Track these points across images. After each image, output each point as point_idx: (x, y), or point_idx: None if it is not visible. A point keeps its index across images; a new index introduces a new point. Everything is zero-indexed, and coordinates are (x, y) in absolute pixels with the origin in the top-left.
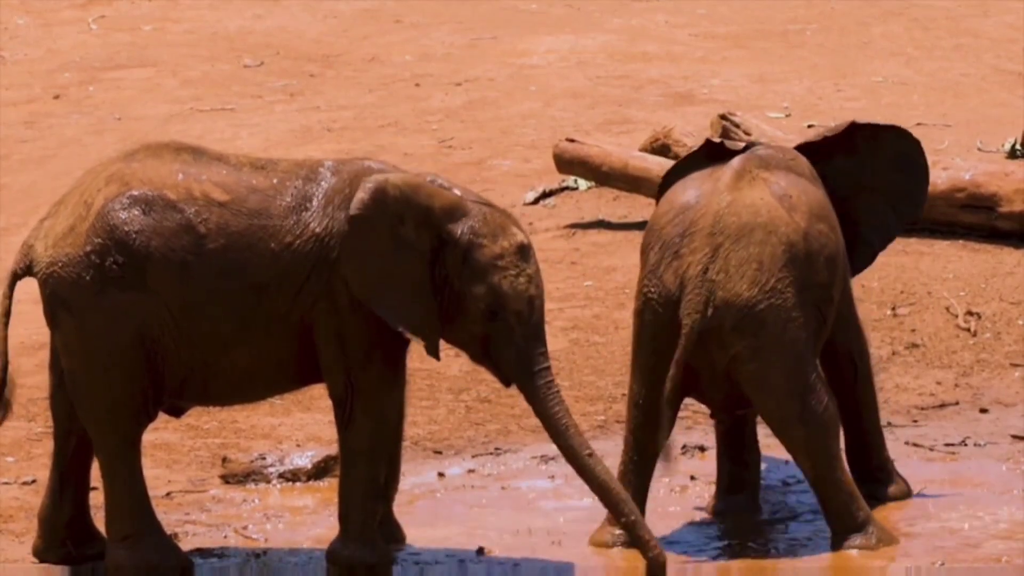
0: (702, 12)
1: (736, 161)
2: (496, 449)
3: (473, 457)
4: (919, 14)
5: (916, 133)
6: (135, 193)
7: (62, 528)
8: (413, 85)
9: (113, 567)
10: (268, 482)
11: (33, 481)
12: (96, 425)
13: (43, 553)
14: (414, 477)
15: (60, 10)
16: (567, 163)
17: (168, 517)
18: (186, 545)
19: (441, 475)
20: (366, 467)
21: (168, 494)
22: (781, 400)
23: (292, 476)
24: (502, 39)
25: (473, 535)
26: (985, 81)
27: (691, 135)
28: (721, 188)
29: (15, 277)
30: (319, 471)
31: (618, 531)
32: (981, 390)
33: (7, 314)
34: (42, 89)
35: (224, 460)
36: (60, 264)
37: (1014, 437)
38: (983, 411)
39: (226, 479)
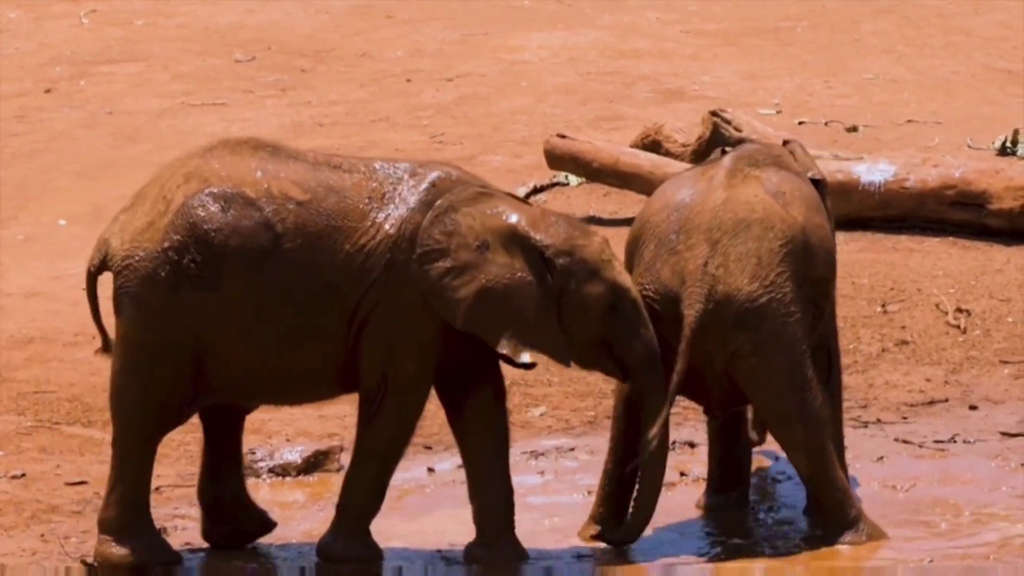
0: (693, 9)
1: (727, 160)
2: None
3: None
4: (910, 12)
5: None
6: (215, 190)
7: (225, 507)
8: (404, 81)
9: (102, 558)
10: (258, 477)
11: (23, 475)
12: (121, 419)
13: (210, 534)
14: (404, 472)
15: (51, 4)
16: (558, 159)
17: (157, 511)
18: (176, 540)
19: (431, 470)
20: (378, 467)
21: (157, 488)
22: (780, 396)
23: (282, 471)
24: (493, 35)
25: (462, 531)
26: (976, 79)
27: (682, 131)
28: (715, 186)
29: (92, 274)
30: (309, 466)
31: (603, 529)
32: (970, 387)
33: (97, 312)
34: (33, 83)
35: None
36: (136, 259)
37: (1003, 434)
38: (972, 408)
39: None
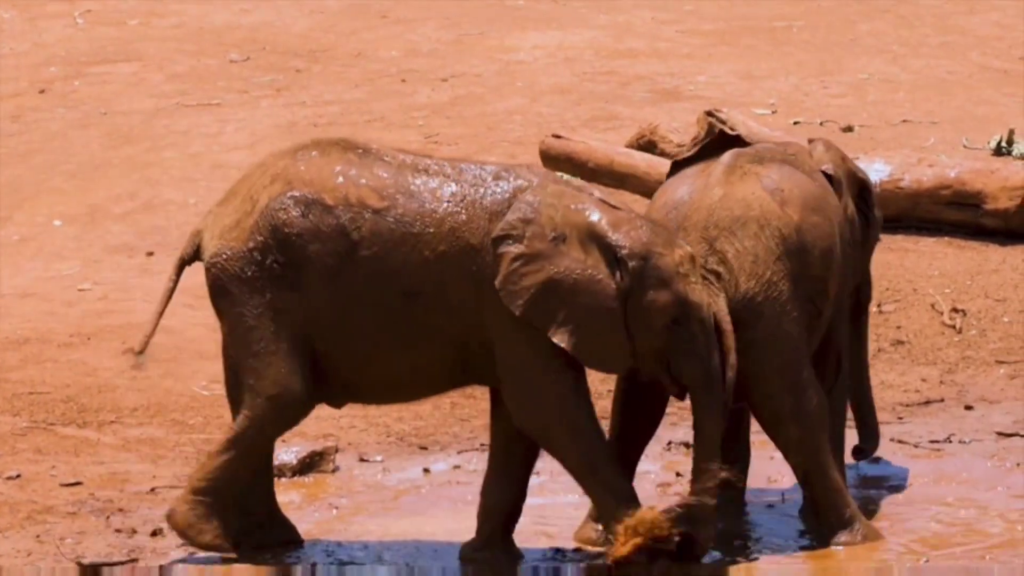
0: (689, 9)
1: (727, 156)
2: (482, 445)
3: (459, 453)
4: (905, 11)
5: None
6: (296, 194)
7: (253, 515)
8: (399, 81)
9: (175, 519)
10: None
11: (18, 476)
12: (249, 409)
13: (238, 537)
14: (399, 473)
15: (46, 4)
16: (553, 159)
17: (153, 512)
18: (170, 541)
19: (427, 471)
20: (593, 482)
21: (153, 489)
22: (775, 395)
23: (278, 472)
24: (488, 35)
25: (458, 530)
26: (971, 79)
27: (677, 132)
28: (712, 183)
29: (183, 262)
30: (304, 467)
31: (601, 527)
32: (966, 387)
33: (170, 294)
34: (28, 83)
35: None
36: (224, 256)
37: (999, 434)
38: (968, 408)
39: None
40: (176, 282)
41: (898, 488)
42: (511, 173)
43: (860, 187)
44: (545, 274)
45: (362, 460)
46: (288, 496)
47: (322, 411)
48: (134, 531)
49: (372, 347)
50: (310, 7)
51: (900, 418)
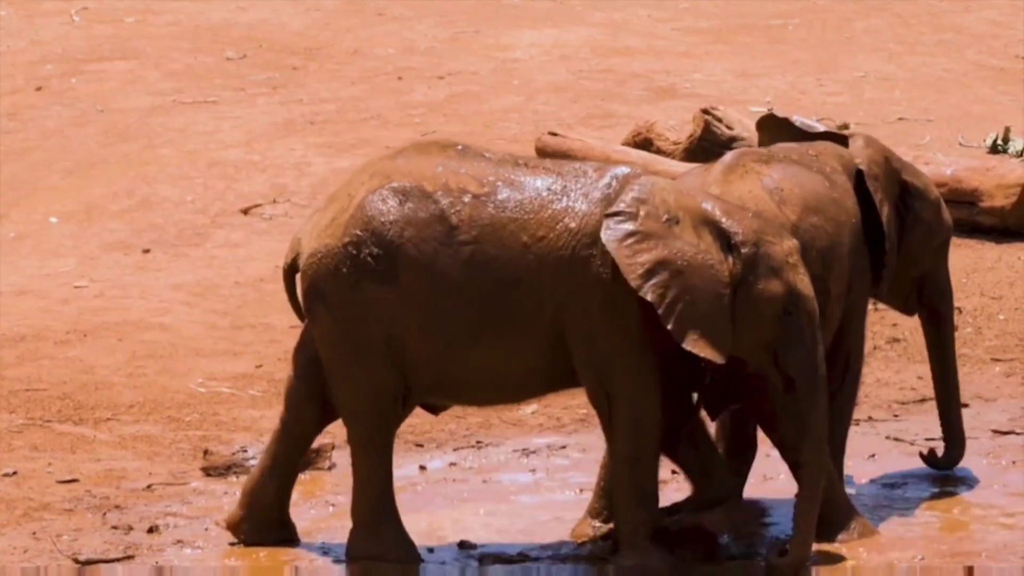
0: (685, 7)
1: (729, 155)
2: (478, 442)
3: (455, 450)
4: (901, 9)
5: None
6: (394, 185)
7: (266, 508)
8: (396, 78)
9: (350, 552)
10: (249, 475)
11: (14, 473)
12: (348, 415)
13: (250, 533)
14: (396, 470)
15: (42, 2)
16: (549, 157)
17: (149, 509)
18: (167, 538)
19: (423, 468)
20: (629, 474)
21: (149, 486)
22: (770, 392)
23: None
24: (485, 33)
25: (454, 528)
26: (967, 77)
27: (673, 129)
28: (710, 181)
29: (287, 272)
30: (301, 464)
31: (598, 524)
32: (962, 385)
33: (295, 302)
34: (24, 81)
35: (205, 453)
36: (320, 255)
37: (995, 432)
38: (964, 406)
39: (207, 472)
40: (291, 291)
41: (894, 486)
42: (611, 167)
43: (901, 189)
44: (659, 253)
45: None
46: None
47: None
48: (130, 528)
49: (467, 339)
50: (306, 5)
51: (896, 416)
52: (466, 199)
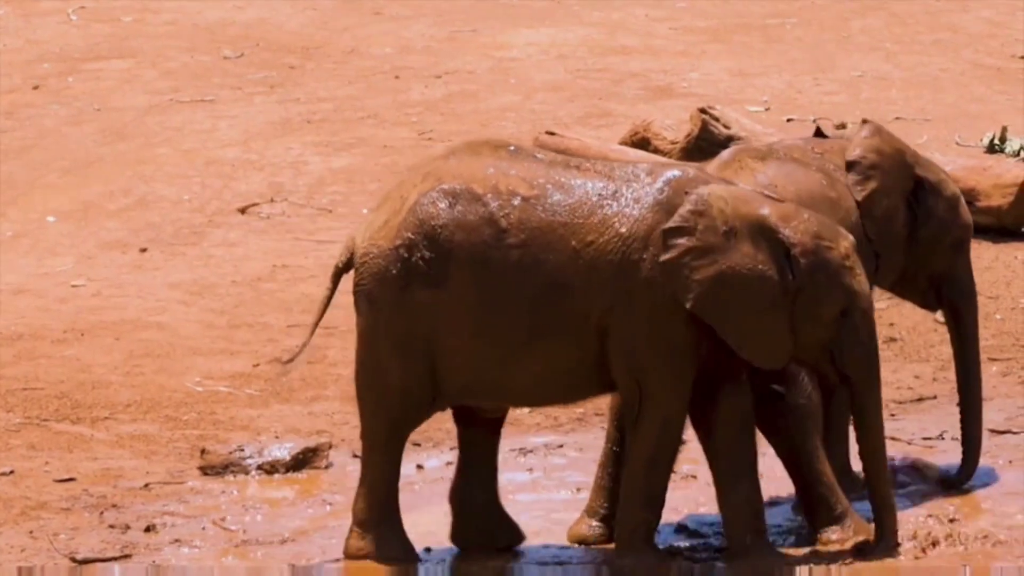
0: (682, 6)
1: (727, 151)
2: None
3: (452, 449)
4: (898, 9)
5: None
6: (445, 187)
7: (474, 513)
8: (393, 77)
9: (349, 551)
10: (246, 474)
11: (11, 472)
12: (368, 413)
13: (458, 537)
14: None
15: (40, 1)
16: None
17: (146, 508)
18: (164, 537)
19: (420, 467)
20: (644, 475)
21: (146, 485)
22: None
23: (271, 468)
24: (482, 32)
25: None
26: (964, 76)
27: (670, 128)
28: None
29: (338, 270)
30: (297, 463)
31: (596, 523)
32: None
33: (327, 302)
34: (22, 79)
35: (202, 452)
36: (371, 256)
37: (991, 431)
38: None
39: (204, 471)
40: (333, 291)
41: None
42: (663, 168)
43: (915, 184)
44: (716, 268)
45: (356, 456)
46: (281, 492)
47: (316, 407)
48: (127, 527)
49: (516, 342)
50: (303, 4)
51: (893, 415)
52: (516, 202)
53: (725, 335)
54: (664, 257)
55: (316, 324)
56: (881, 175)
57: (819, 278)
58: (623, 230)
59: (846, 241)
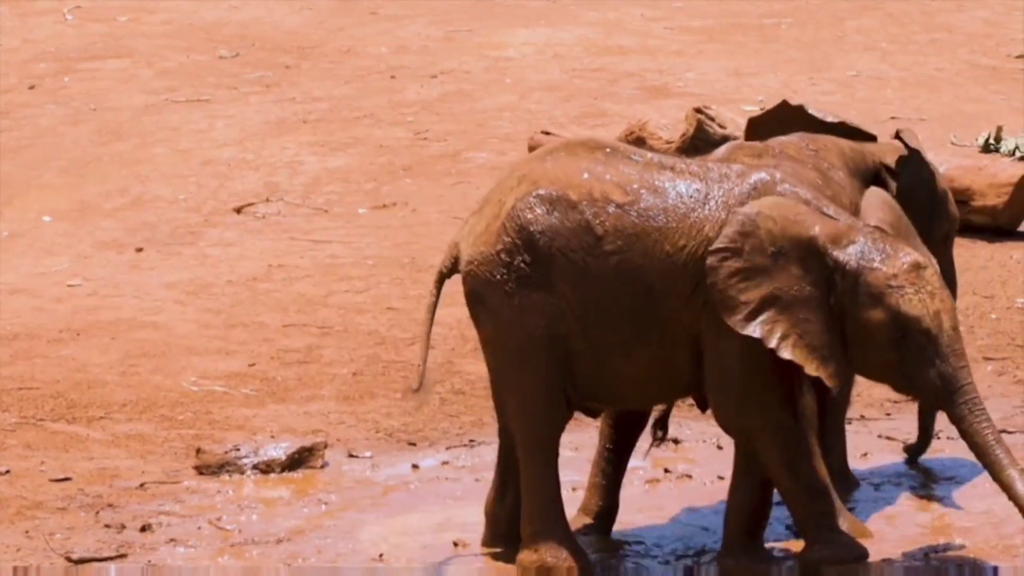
0: (678, 6)
1: (723, 149)
2: (470, 441)
3: (447, 449)
4: (894, 8)
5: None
6: (541, 192)
7: (505, 522)
8: (389, 77)
9: (523, 563)
10: (242, 473)
11: (7, 472)
12: (515, 420)
13: (491, 545)
14: (388, 469)
15: (36, 1)
16: None
17: (142, 508)
18: (160, 536)
19: (415, 467)
20: (789, 478)
21: (142, 485)
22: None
23: (266, 468)
24: (478, 32)
25: (447, 528)
26: (959, 76)
27: (666, 128)
28: None
29: (442, 276)
30: (293, 463)
31: (591, 522)
32: None
33: (433, 309)
34: (17, 79)
35: (198, 451)
36: (476, 262)
37: None
38: None
39: (200, 470)
40: (438, 297)
41: (886, 484)
42: (752, 170)
43: None
44: (763, 290)
45: (351, 456)
46: (277, 492)
47: (310, 407)
48: (123, 526)
49: (616, 348)
50: (299, 4)
51: (888, 414)
52: (610, 209)
53: (783, 353)
54: (710, 280)
55: (428, 335)
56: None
57: (862, 300)
58: (712, 233)
59: (899, 260)
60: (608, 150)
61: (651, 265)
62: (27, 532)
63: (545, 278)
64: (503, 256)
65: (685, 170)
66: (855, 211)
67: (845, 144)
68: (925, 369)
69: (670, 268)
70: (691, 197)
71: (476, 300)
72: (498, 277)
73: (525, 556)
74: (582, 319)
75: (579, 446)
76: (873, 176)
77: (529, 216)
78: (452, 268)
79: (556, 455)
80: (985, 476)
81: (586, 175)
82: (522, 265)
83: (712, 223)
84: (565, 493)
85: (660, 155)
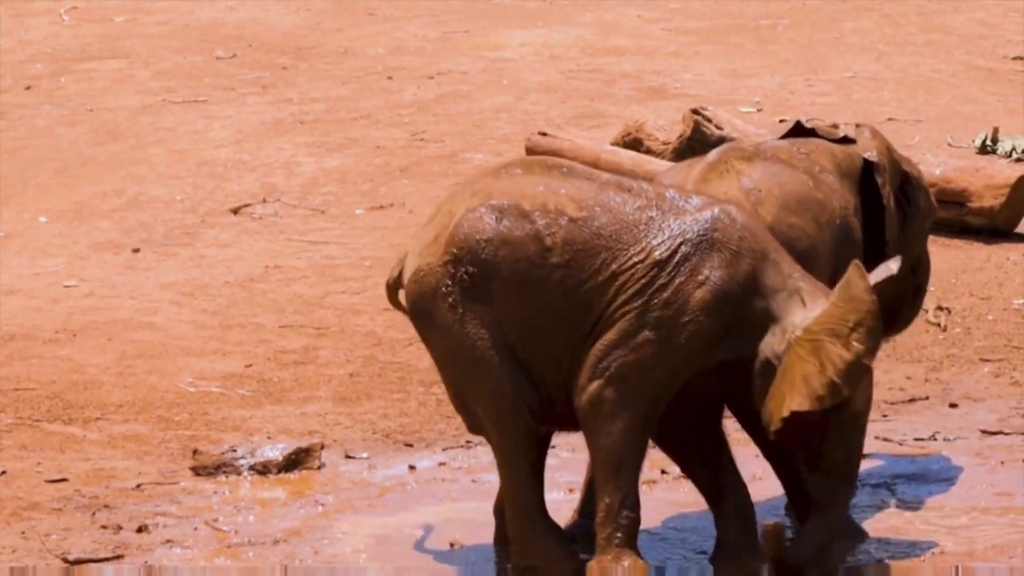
0: (675, 7)
1: (714, 152)
2: (467, 442)
3: (444, 450)
4: (890, 10)
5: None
6: (493, 202)
7: None
8: (386, 78)
9: (513, 568)
10: (239, 474)
11: (3, 472)
12: (484, 431)
13: (500, 543)
14: (385, 470)
15: (32, 1)
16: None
17: (138, 509)
18: (156, 537)
19: (412, 468)
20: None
21: (138, 486)
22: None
23: (263, 469)
24: (475, 32)
25: (444, 528)
26: (956, 77)
27: (663, 129)
28: (691, 179)
29: (390, 287)
30: (290, 464)
31: (587, 523)
32: (951, 385)
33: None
34: (13, 80)
35: (195, 452)
36: (421, 273)
37: (983, 432)
38: (952, 406)
39: (196, 471)
40: (398, 307)
41: (883, 486)
42: (711, 206)
43: (902, 180)
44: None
45: (348, 457)
46: (273, 493)
47: (307, 408)
48: (119, 527)
49: (554, 363)
50: (296, 4)
51: (885, 416)
52: (563, 221)
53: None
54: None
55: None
56: (888, 177)
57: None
58: (661, 258)
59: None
60: (565, 169)
61: (595, 283)
62: (23, 533)
63: (486, 289)
64: (448, 267)
65: (643, 193)
66: (845, 214)
67: (836, 147)
68: (839, 448)
69: (612, 288)
70: (646, 222)
71: (420, 314)
72: (442, 290)
73: (515, 560)
74: (522, 334)
75: (575, 447)
76: (863, 178)
77: (477, 226)
78: (399, 278)
79: (532, 461)
80: (983, 476)
81: (542, 188)
82: (464, 276)
83: (663, 250)
84: (562, 494)
85: (618, 176)
